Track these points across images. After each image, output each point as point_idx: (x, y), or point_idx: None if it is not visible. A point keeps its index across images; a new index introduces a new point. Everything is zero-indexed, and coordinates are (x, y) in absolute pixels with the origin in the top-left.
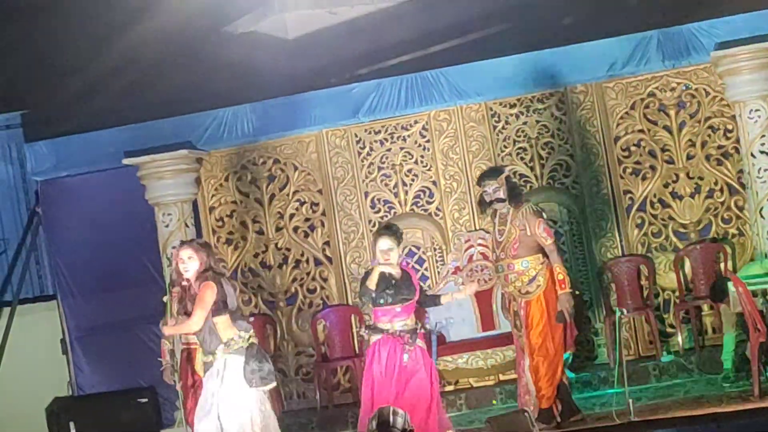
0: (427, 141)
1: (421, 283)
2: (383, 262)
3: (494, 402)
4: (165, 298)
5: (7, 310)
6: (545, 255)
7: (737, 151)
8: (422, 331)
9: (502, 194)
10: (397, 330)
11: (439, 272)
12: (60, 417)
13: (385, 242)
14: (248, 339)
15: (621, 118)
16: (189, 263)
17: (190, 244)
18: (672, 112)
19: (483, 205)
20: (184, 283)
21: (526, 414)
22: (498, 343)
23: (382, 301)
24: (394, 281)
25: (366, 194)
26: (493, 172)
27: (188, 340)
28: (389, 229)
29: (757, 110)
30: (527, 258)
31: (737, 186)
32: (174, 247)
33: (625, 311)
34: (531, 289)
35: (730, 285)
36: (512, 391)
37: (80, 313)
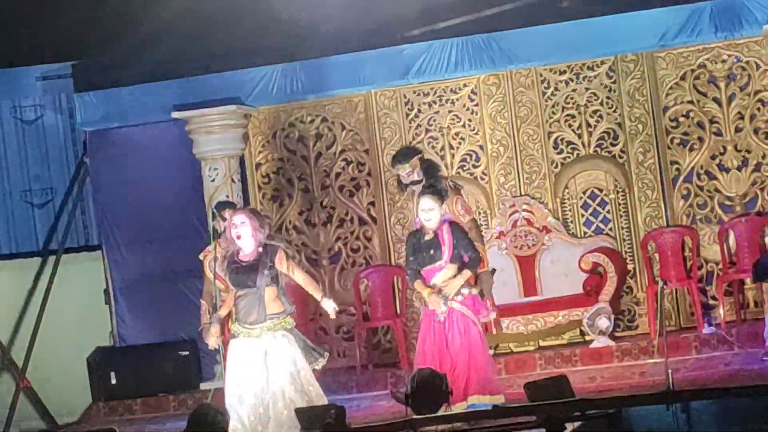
0: (476, 105)
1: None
2: (425, 221)
3: None
4: (201, 256)
5: (52, 258)
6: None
7: None
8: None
9: (416, 176)
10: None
11: (483, 236)
12: (101, 366)
13: (426, 202)
14: (291, 322)
15: (670, 88)
16: (242, 228)
17: (243, 210)
18: (722, 84)
19: (401, 185)
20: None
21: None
22: (539, 308)
23: (418, 266)
24: (421, 245)
25: None
26: (404, 157)
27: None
28: (433, 188)
29: None
30: None
31: None
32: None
33: (667, 282)
34: None
35: None
36: (551, 357)
37: (124, 264)
